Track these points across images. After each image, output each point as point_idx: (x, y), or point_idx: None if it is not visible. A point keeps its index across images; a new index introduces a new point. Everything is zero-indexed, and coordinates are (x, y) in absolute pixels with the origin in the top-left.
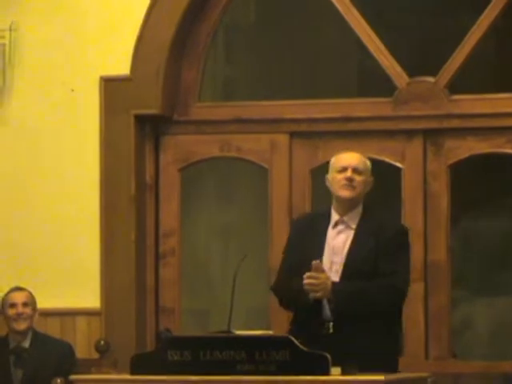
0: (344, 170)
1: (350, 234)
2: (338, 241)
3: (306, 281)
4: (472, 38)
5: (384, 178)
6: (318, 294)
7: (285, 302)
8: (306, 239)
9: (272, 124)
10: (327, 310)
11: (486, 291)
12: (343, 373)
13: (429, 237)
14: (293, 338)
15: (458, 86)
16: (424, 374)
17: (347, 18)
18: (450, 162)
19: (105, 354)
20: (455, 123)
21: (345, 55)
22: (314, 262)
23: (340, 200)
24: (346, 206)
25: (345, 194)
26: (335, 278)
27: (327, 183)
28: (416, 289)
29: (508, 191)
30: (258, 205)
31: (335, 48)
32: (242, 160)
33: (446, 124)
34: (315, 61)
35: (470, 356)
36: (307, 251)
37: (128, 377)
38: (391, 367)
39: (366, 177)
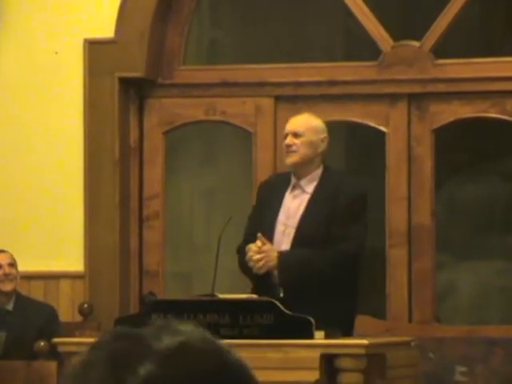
0: (286, 136)
1: (305, 198)
2: (293, 205)
3: (247, 257)
4: (456, 1)
5: (368, 141)
6: (262, 271)
7: (241, 269)
8: (266, 202)
9: (257, 87)
10: (275, 277)
11: (470, 256)
12: (326, 336)
13: (413, 201)
14: (277, 302)
15: (442, 50)
16: (407, 338)
17: None
18: (435, 126)
19: (88, 317)
20: (440, 87)
21: (330, 19)
22: (258, 235)
23: (289, 167)
24: (300, 171)
25: (287, 161)
26: (287, 241)
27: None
28: (400, 253)
29: (492, 156)
30: (243, 168)
31: (320, 12)
32: (227, 124)
33: (430, 88)
34: (300, 24)
35: (454, 320)
36: (265, 214)
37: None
38: (346, 327)
39: (309, 137)
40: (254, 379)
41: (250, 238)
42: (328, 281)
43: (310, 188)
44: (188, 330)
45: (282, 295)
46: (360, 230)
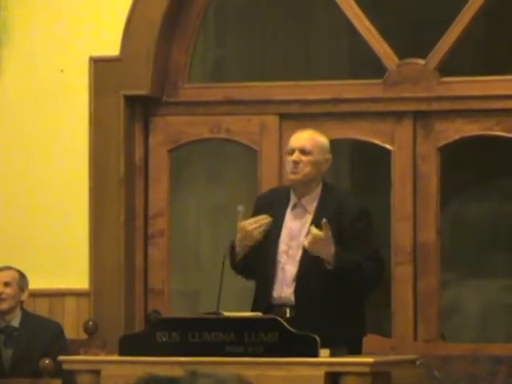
0: (292, 152)
1: (308, 218)
2: (295, 225)
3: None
4: (462, 19)
5: (374, 159)
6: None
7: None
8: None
9: (262, 105)
10: (280, 298)
11: (475, 273)
12: (331, 355)
13: (418, 219)
14: (281, 320)
15: (448, 67)
16: (412, 356)
17: (338, 0)
18: (440, 144)
19: (93, 335)
20: (445, 105)
21: (335, 37)
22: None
23: (290, 183)
24: (301, 189)
25: (291, 177)
26: (293, 262)
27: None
28: (405, 271)
29: (497, 173)
30: (248, 186)
31: (326, 30)
32: (232, 141)
33: (435, 106)
34: (306, 42)
35: (459, 338)
36: (266, 233)
37: (116, 358)
38: (355, 348)
39: (316, 156)
40: None
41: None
42: (368, 287)
43: (311, 207)
44: (219, 372)
45: (288, 315)
46: (376, 247)
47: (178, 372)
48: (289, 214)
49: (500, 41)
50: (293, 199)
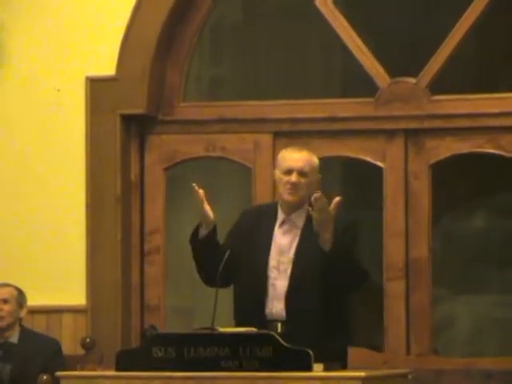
0: (290, 172)
1: (297, 233)
2: (284, 241)
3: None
4: (453, 39)
5: (366, 177)
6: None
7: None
8: (253, 235)
9: (256, 124)
10: (270, 314)
11: (467, 289)
12: (325, 369)
13: (410, 235)
14: (275, 335)
15: (438, 86)
16: (405, 370)
17: (330, 20)
18: (431, 161)
19: (90, 351)
20: (436, 123)
21: (328, 56)
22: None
23: (285, 202)
24: (292, 207)
25: (289, 198)
26: (284, 276)
27: (275, 179)
28: (397, 286)
29: (488, 191)
30: (242, 203)
31: (319, 49)
32: (227, 160)
33: (426, 124)
34: (299, 61)
35: (451, 352)
36: (254, 249)
37: (113, 373)
38: (341, 361)
39: (311, 178)
40: None
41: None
42: (356, 282)
43: (300, 222)
44: None
45: (279, 330)
46: (359, 258)
47: None
48: (277, 230)
49: (490, 59)
50: (281, 215)
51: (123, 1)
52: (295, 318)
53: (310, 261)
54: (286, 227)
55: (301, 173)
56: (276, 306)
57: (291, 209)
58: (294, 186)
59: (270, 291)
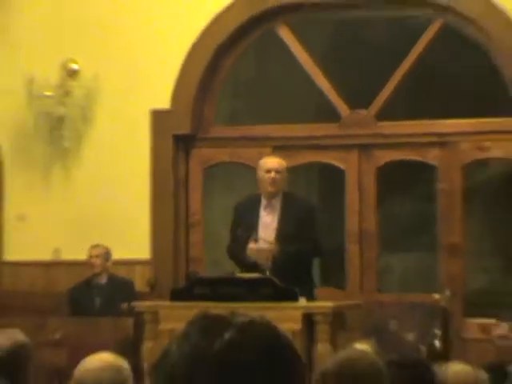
0: (269, 171)
1: (276, 213)
2: (268, 218)
3: (250, 252)
4: (395, 77)
5: (333, 176)
6: (263, 262)
7: (232, 260)
8: (245, 217)
9: (260, 141)
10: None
11: (399, 249)
12: (307, 301)
13: (363, 213)
14: (274, 279)
15: (382, 114)
16: (359, 302)
17: (306, 67)
18: (377, 165)
19: (153, 289)
20: (379, 140)
21: (306, 93)
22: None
23: (268, 192)
24: (272, 195)
25: (271, 189)
26: (267, 243)
27: (258, 177)
28: (355, 247)
29: (412, 185)
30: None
31: (297, 88)
32: (242, 164)
33: (373, 141)
34: (286, 97)
35: (389, 290)
36: (247, 226)
37: (168, 303)
38: (311, 297)
39: (283, 175)
40: (290, 341)
41: (235, 241)
42: (308, 259)
43: (278, 205)
44: (250, 315)
45: (268, 274)
46: (318, 232)
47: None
48: (262, 212)
49: (418, 92)
50: (264, 201)
51: (175, 54)
52: (276, 268)
53: (285, 232)
54: (268, 209)
55: (276, 171)
56: (265, 261)
57: (271, 196)
58: (274, 181)
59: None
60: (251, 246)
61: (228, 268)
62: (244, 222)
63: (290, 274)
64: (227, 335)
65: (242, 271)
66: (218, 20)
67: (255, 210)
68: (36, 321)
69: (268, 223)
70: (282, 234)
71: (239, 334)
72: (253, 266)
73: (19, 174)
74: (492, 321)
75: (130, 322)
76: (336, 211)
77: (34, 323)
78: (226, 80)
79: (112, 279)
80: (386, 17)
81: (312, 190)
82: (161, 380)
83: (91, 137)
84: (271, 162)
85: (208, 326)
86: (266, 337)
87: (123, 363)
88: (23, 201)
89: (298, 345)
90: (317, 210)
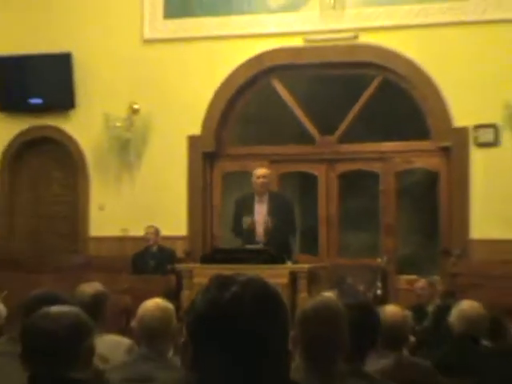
0: (259, 178)
1: (265, 206)
2: (260, 209)
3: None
4: (351, 114)
5: (307, 180)
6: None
7: (238, 237)
8: (243, 209)
9: (261, 156)
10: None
11: (351, 227)
12: (292, 264)
13: (328, 204)
14: (271, 249)
15: (344, 138)
16: (327, 264)
17: (291, 106)
18: (337, 173)
19: (189, 256)
20: (341, 156)
21: (291, 124)
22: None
23: (258, 191)
24: (261, 194)
25: (260, 190)
26: (261, 225)
27: (252, 181)
28: (324, 226)
29: (364, 186)
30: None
31: (287, 121)
32: (248, 172)
33: (336, 156)
34: (277, 127)
35: (347, 256)
36: (245, 215)
37: (199, 265)
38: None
39: (268, 179)
40: (277, 291)
41: (238, 227)
42: (287, 237)
43: (265, 200)
44: (249, 274)
45: (262, 245)
46: (294, 220)
47: (229, 272)
48: (256, 205)
49: (371, 125)
50: (256, 197)
51: (203, 99)
52: (268, 242)
53: (273, 218)
54: (260, 203)
55: (264, 177)
56: (259, 237)
57: (261, 194)
58: (262, 184)
59: (256, 232)
60: (246, 219)
61: (237, 243)
62: (244, 212)
63: (278, 246)
64: (233, 288)
65: (246, 244)
66: (232, 75)
67: (251, 203)
68: (111, 276)
69: (260, 211)
70: (269, 219)
71: (241, 287)
72: (252, 242)
73: (99, 178)
74: (414, 277)
75: (173, 278)
76: (311, 204)
77: (110, 278)
78: (238, 115)
79: (161, 249)
80: (346, 73)
81: (295, 190)
82: (191, 318)
83: (147, 153)
84: (260, 171)
85: (220, 282)
86: (260, 289)
87: (169, 305)
88: (102, 196)
89: (285, 294)
90: (292, 203)
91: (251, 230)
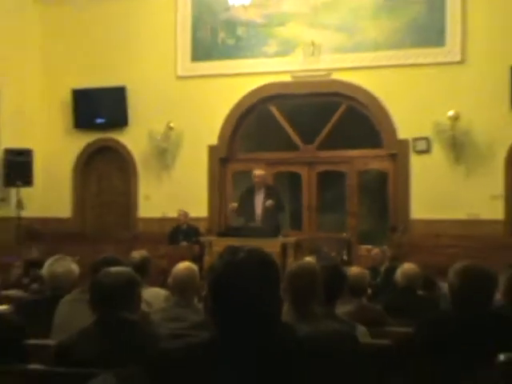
0: (255, 177)
1: (262, 196)
2: (259, 197)
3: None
4: (325, 130)
5: (295, 180)
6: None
7: (240, 217)
8: (247, 198)
9: (259, 160)
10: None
11: (329, 212)
12: (283, 237)
13: (310, 195)
14: (267, 227)
15: (320, 147)
16: (308, 237)
17: (283, 124)
18: (316, 171)
19: (209, 232)
20: (319, 160)
21: (281, 137)
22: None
23: (256, 186)
24: (259, 188)
25: (257, 186)
26: (259, 210)
27: (252, 178)
28: (306, 212)
29: (336, 182)
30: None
31: (279, 134)
32: (250, 172)
33: (315, 160)
34: (272, 138)
35: (323, 231)
36: (248, 203)
37: (216, 238)
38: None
39: (263, 178)
40: (273, 257)
41: (242, 209)
42: (279, 213)
43: (262, 192)
44: (252, 245)
45: (260, 224)
46: (283, 201)
47: (238, 243)
48: (256, 195)
49: (341, 137)
50: (256, 189)
51: (218, 120)
52: (263, 223)
53: (268, 206)
54: (258, 193)
55: (258, 177)
56: (258, 220)
57: (259, 188)
58: (257, 182)
59: (256, 215)
60: (232, 204)
61: (240, 222)
62: (249, 202)
63: (271, 225)
64: (241, 255)
65: (249, 223)
66: (240, 102)
67: (252, 193)
68: (153, 246)
69: (259, 199)
70: (266, 206)
71: (247, 254)
72: (253, 221)
73: (145, 176)
74: (370, 247)
75: (197, 247)
76: (297, 194)
77: (152, 247)
78: (244, 130)
79: (189, 226)
80: (321, 100)
81: (285, 184)
82: (211, 276)
83: (179, 158)
84: (255, 173)
85: (231, 250)
86: (260, 255)
87: (195, 267)
88: (148, 188)
89: (278, 259)
90: (279, 191)
91: (233, 212)
